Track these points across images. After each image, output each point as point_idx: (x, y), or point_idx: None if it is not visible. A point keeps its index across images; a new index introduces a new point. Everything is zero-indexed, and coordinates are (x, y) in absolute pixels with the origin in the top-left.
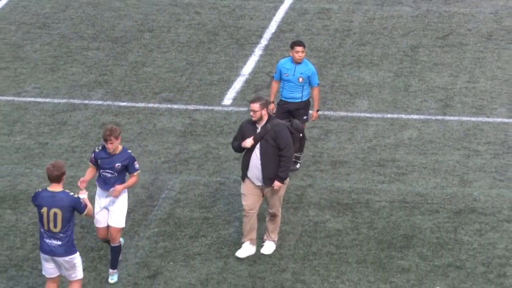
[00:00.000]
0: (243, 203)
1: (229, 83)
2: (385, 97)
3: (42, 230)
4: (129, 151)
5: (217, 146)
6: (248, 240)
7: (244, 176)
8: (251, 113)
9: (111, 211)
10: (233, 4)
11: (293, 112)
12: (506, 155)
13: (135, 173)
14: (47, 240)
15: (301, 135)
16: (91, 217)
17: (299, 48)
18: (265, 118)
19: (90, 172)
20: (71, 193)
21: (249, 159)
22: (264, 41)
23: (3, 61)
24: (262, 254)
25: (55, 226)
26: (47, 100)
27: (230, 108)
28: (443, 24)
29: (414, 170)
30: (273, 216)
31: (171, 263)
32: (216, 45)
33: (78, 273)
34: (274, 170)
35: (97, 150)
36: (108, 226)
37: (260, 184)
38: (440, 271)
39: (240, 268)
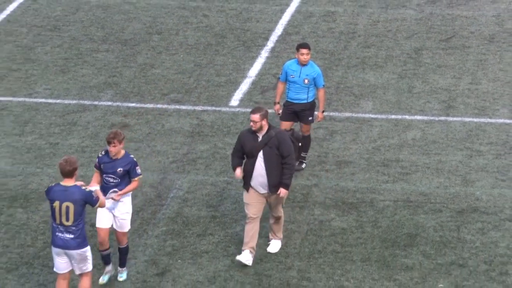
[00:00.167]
0: (247, 211)
1: (236, 84)
2: (389, 98)
3: (54, 224)
4: (132, 156)
5: (224, 146)
6: (249, 248)
7: (247, 185)
8: (251, 124)
9: (116, 216)
10: (240, 7)
11: (299, 113)
12: (508, 155)
13: (136, 178)
14: (60, 234)
15: (299, 144)
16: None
17: (304, 51)
18: (265, 128)
19: (96, 178)
20: (83, 187)
21: (253, 168)
22: (270, 44)
23: (14, 63)
24: (269, 252)
25: (67, 219)
26: (58, 101)
27: (237, 109)
28: (446, 27)
29: (418, 170)
30: (277, 218)
31: (179, 261)
32: (224, 47)
33: (89, 266)
34: (279, 177)
35: (100, 155)
36: (110, 229)
37: (264, 191)
38: (443, 269)
39: (246, 266)
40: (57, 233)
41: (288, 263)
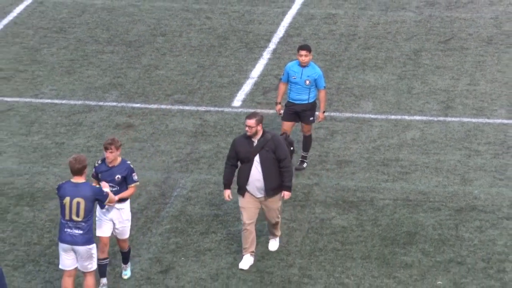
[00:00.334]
0: (243, 217)
1: (238, 85)
2: (389, 99)
3: (63, 221)
4: (128, 162)
5: (227, 146)
6: (249, 253)
7: (243, 190)
8: (247, 129)
9: (116, 224)
10: (243, 9)
11: (300, 113)
12: (505, 155)
13: (132, 185)
14: (68, 230)
15: (292, 148)
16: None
17: (303, 52)
18: (260, 132)
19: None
20: (93, 184)
21: (249, 173)
22: (272, 45)
23: (21, 64)
24: (270, 250)
25: (77, 215)
26: (64, 101)
27: (240, 110)
28: (445, 28)
29: (417, 169)
30: (274, 224)
31: (182, 258)
32: (226, 49)
33: (94, 264)
34: (276, 180)
35: (97, 164)
36: (108, 238)
37: (261, 195)
38: (442, 266)
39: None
40: (65, 229)
41: (289, 260)
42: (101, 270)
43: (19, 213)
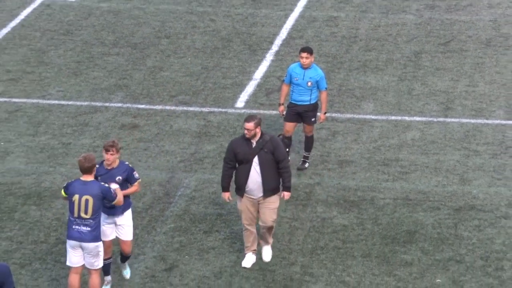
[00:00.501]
0: (242, 220)
1: (242, 86)
2: (390, 100)
3: (71, 218)
4: (127, 162)
5: None
6: (251, 251)
7: (242, 191)
8: (246, 132)
9: (119, 226)
10: (246, 12)
11: (302, 114)
12: (503, 155)
13: (135, 183)
14: (76, 227)
15: (287, 150)
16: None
17: (304, 54)
18: (259, 134)
19: None
20: (102, 183)
21: (247, 174)
22: (275, 47)
23: (28, 65)
24: (265, 258)
25: (85, 212)
26: (70, 102)
27: (243, 111)
28: (445, 31)
29: (417, 169)
30: (269, 229)
31: (186, 256)
32: (230, 51)
33: (100, 262)
34: (274, 181)
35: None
36: (113, 240)
37: (259, 196)
38: (441, 264)
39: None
40: (73, 226)
41: (291, 259)
42: (105, 269)
43: (26, 212)
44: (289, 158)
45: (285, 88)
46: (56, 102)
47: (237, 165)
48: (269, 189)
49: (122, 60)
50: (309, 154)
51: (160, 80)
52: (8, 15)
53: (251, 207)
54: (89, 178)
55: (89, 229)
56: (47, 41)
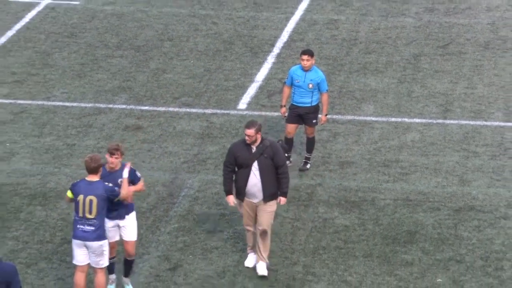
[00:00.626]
0: (244, 221)
1: (243, 88)
2: (390, 102)
3: (76, 217)
4: (128, 164)
5: None
6: (254, 251)
7: (242, 196)
8: (247, 138)
9: (122, 228)
10: (248, 15)
11: (303, 116)
12: (502, 156)
13: (140, 182)
14: (81, 226)
15: (286, 154)
16: (130, 195)
17: (304, 57)
18: (259, 139)
19: None
20: (106, 183)
21: (247, 178)
22: (276, 50)
23: (33, 68)
24: (262, 274)
25: (90, 212)
26: (75, 104)
27: (245, 112)
28: (444, 34)
29: (417, 170)
30: (264, 233)
31: (190, 256)
32: (232, 53)
33: (105, 261)
34: (273, 187)
35: None
36: (116, 242)
37: (257, 200)
38: (442, 264)
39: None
40: (78, 226)
41: (293, 258)
42: (110, 268)
43: (32, 212)
44: (289, 160)
45: (286, 90)
46: (61, 103)
47: (236, 169)
48: (269, 194)
49: (125, 62)
50: (310, 155)
51: (163, 82)
52: (13, 17)
53: (251, 210)
54: (95, 178)
55: (93, 228)
56: (52, 43)
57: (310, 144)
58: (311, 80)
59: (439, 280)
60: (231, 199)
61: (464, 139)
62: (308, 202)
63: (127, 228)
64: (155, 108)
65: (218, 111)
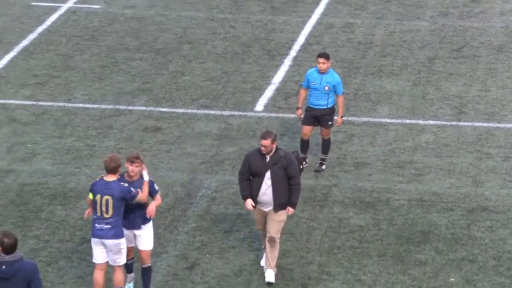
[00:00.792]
0: (257, 226)
1: (261, 91)
2: (404, 104)
3: (95, 216)
4: (146, 174)
5: (250, 148)
6: None
7: (254, 204)
8: (263, 148)
9: (138, 236)
10: (265, 18)
11: (319, 117)
12: None
13: (157, 195)
14: (98, 225)
15: (301, 167)
16: (144, 198)
17: (321, 60)
18: (274, 149)
19: None
20: (122, 183)
21: (259, 187)
22: (293, 53)
23: (55, 70)
24: (269, 282)
25: (106, 212)
26: (95, 106)
27: (262, 114)
28: (458, 37)
29: (431, 171)
30: (272, 241)
31: (207, 255)
32: (249, 56)
33: (123, 258)
34: (285, 197)
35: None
36: (132, 248)
37: (268, 209)
38: (455, 264)
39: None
40: (96, 224)
41: (309, 258)
42: (129, 268)
43: (53, 211)
44: (305, 161)
45: (302, 93)
46: (81, 105)
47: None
48: (279, 204)
49: (145, 65)
50: (326, 156)
51: (182, 84)
52: (35, 21)
53: (262, 217)
54: (112, 178)
55: (109, 226)
56: (73, 46)
57: (326, 146)
58: (327, 82)
59: (452, 279)
60: (249, 203)
61: (477, 140)
62: (323, 203)
63: (143, 237)
64: (173, 110)
65: (236, 112)
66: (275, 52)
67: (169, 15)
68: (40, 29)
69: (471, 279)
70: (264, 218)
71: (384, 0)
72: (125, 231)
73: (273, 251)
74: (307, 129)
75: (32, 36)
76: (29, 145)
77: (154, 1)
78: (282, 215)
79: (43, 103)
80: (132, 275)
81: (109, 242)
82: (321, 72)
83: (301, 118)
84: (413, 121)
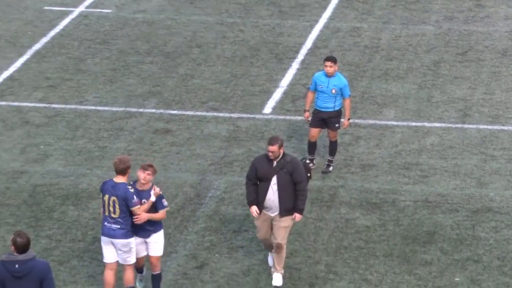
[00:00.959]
0: (258, 234)
1: (269, 93)
2: (410, 107)
3: (104, 215)
4: (157, 188)
5: (258, 150)
6: None
7: (260, 208)
8: (270, 154)
9: (149, 243)
10: (273, 23)
11: (326, 120)
12: None
13: (163, 210)
14: (108, 224)
15: (309, 174)
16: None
17: (328, 63)
18: (281, 154)
19: None
20: (129, 186)
21: (266, 192)
22: (300, 56)
23: (67, 73)
24: (276, 285)
25: (114, 212)
26: (106, 108)
27: (270, 116)
28: (463, 41)
29: (436, 173)
30: (279, 247)
31: (216, 255)
32: (258, 60)
33: (133, 257)
34: (290, 202)
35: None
36: (144, 257)
37: (274, 214)
38: (459, 264)
39: None
40: (105, 223)
41: (316, 258)
42: (139, 270)
43: (65, 212)
44: (313, 163)
45: (310, 95)
46: (93, 107)
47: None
48: (285, 209)
49: (155, 68)
50: (333, 158)
51: (192, 87)
52: (48, 25)
53: (267, 224)
54: (121, 179)
55: (118, 226)
56: (85, 50)
57: (333, 148)
58: (334, 85)
59: (457, 279)
60: (254, 209)
61: (482, 143)
62: (330, 203)
63: (153, 244)
64: (183, 112)
65: (244, 115)
66: (283, 56)
67: (179, 19)
68: (53, 33)
69: (475, 279)
70: (266, 226)
71: (390, 5)
72: (136, 239)
73: (280, 255)
74: (314, 131)
75: (44, 40)
76: (42, 147)
77: (165, 5)
78: (288, 221)
79: (56, 106)
80: (143, 274)
81: (119, 242)
82: (328, 76)
83: (308, 121)
84: (419, 124)
